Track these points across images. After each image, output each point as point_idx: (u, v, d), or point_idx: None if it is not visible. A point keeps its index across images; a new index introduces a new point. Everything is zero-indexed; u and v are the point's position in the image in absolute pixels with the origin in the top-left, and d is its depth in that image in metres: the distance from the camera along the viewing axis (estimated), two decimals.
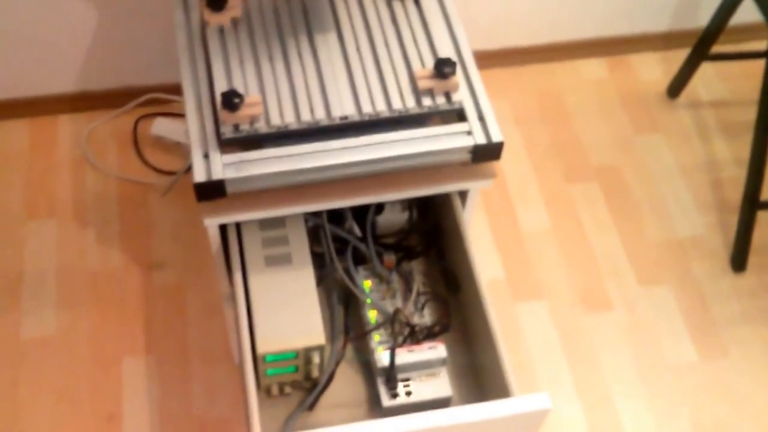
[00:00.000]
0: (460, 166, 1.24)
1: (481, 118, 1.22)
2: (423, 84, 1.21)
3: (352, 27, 1.29)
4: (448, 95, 1.21)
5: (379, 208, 1.40)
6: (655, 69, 2.14)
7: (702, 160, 1.99)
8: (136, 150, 1.90)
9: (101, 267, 1.74)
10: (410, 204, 1.40)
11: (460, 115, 1.23)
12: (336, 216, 1.35)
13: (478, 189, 1.30)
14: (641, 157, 1.98)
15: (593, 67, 2.13)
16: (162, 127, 1.89)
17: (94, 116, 1.94)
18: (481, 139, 1.20)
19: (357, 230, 1.36)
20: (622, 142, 2.01)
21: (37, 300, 1.69)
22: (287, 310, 1.21)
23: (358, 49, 1.26)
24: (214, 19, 1.27)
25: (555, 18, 2.04)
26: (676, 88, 2.07)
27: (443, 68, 1.20)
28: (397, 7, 1.32)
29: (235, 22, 1.28)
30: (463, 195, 1.33)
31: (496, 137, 1.20)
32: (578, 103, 2.07)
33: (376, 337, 1.27)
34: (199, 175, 1.14)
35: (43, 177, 1.86)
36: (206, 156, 1.16)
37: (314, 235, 1.35)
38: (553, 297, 1.78)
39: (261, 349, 1.18)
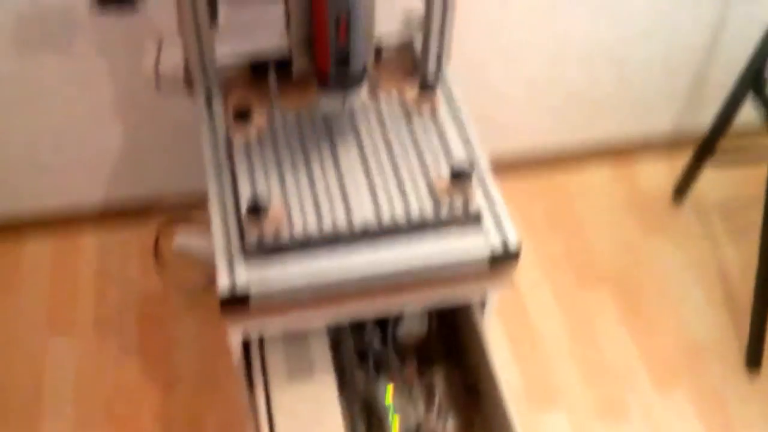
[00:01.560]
0: (479, 272, 1.22)
1: (498, 225, 1.21)
2: (441, 192, 1.21)
3: (372, 139, 1.30)
4: (465, 202, 1.21)
5: (400, 318, 1.38)
6: (659, 173, 2.15)
7: (712, 261, 1.97)
8: (157, 263, 1.89)
9: (120, 383, 1.70)
10: (430, 317, 1.39)
11: (477, 222, 1.22)
12: (357, 323, 1.34)
13: (496, 296, 1.28)
14: (651, 261, 1.97)
15: (599, 173, 2.14)
16: (184, 239, 1.89)
17: (117, 229, 1.94)
18: (498, 245, 1.19)
19: (378, 339, 1.34)
20: (632, 246, 2.00)
21: (55, 419, 1.64)
22: (310, 425, 1.18)
23: (378, 159, 1.27)
24: (240, 132, 1.28)
25: (559, 127, 2.06)
26: (681, 191, 2.08)
27: (460, 176, 1.20)
28: (416, 121, 1.33)
29: (260, 134, 1.29)
30: (482, 302, 1.31)
31: (513, 243, 1.19)
32: (586, 208, 2.07)
33: None
34: (224, 287, 1.13)
35: (65, 292, 1.84)
36: (231, 267, 1.15)
37: (336, 344, 1.33)
38: (571, 406, 1.73)
39: None
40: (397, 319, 1.37)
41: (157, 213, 1.93)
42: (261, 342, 1.26)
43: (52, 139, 1.78)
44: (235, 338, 1.22)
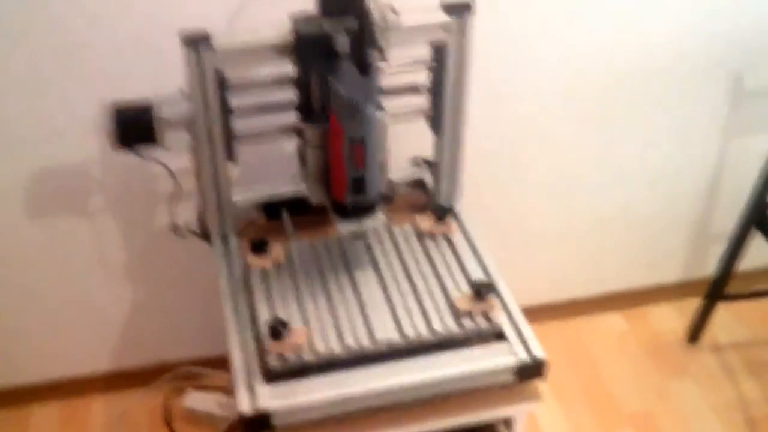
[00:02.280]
0: (507, 385, 1.19)
1: (521, 337, 1.20)
2: (462, 306, 1.20)
3: (389, 262, 1.30)
4: (487, 316, 1.20)
5: None
6: (671, 317, 2.13)
7: (733, 400, 1.92)
8: (167, 425, 1.83)
9: None
10: None
11: (499, 336, 1.20)
12: None
13: (524, 414, 1.24)
14: (672, 402, 1.91)
15: (612, 320, 2.13)
16: (194, 399, 1.84)
17: (126, 394, 1.89)
18: (524, 357, 1.17)
19: None
20: (651, 388, 1.95)
21: None
22: None
23: (396, 280, 1.27)
24: (257, 263, 1.29)
25: (567, 276, 2.07)
26: (695, 333, 2.05)
27: (481, 290, 1.20)
28: (430, 245, 1.34)
29: (277, 265, 1.29)
30: (508, 424, 1.26)
31: (538, 354, 1.17)
32: (602, 353, 2.04)
33: None
34: (245, 406, 1.09)
35: None
36: (251, 388, 1.12)
37: None
38: None
39: None
40: None
41: (167, 375, 1.89)
42: None
43: (60, 303, 1.78)
44: None
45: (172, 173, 1.45)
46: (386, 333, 1.17)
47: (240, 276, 1.30)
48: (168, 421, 1.84)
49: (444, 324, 1.18)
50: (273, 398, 1.10)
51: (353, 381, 1.12)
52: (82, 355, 1.86)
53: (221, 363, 1.81)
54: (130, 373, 1.90)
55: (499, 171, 1.81)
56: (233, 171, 1.56)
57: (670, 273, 2.15)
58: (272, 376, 1.13)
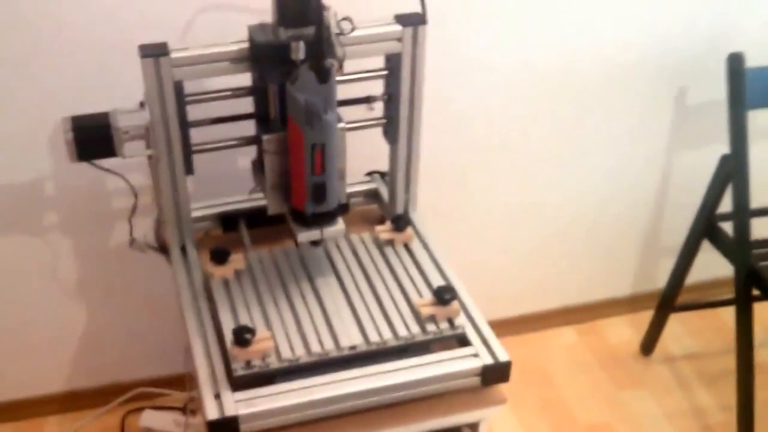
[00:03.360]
0: (471, 392, 1.21)
1: (485, 341, 1.22)
2: (425, 311, 1.21)
3: (349, 269, 1.32)
4: (450, 321, 1.22)
5: None
6: (623, 330, 2.18)
7: (688, 409, 1.96)
8: None
9: None
10: None
11: (462, 341, 1.22)
12: None
13: (489, 419, 1.26)
14: (629, 412, 1.95)
15: (564, 335, 2.17)
16: (151, 419, 1.82)
17: (81, 415, 1.86)
18: (488, 360, 1.19)
19: None
20: (607, 399, 1.99)
21: None
22: None
23: (357, 286, 1.28)
24: (218, 272, 1.29)
25: (520, 291, 2.10)
26: (648, 345, 2.10)
27: (444, 295, 1.22)
28: (390, 253, 1.36)
29: (238, 273, 1.30)
30: (473, 428, 1.28)
31: (502, 357, 1.19)
32: (558, 367, 2.07)
33: None
34: (212, 413, 1.09)
35: None
36: (218, 395, 1.12)
37: None
38: None
39: None
40: None
41: (123, 396, 1.87)
42: None
43: (13, 322, 1.75)
44: None
45: (131, 186, 1.45)
46: (351, 338, 1.18)
47: (201, 286, 1.30)
48: None
49: (408, 329, 1.20)
50: (240, 405, 1.10)
51: (319, 386, 1.13)
52: (36, 376, 1.83)
53: (178, 382, 1.81)
54: (85, 394, 1.87)
55: (451, 182, 1.84)
56: (189, 184, 1.58)
57: (622, 286, 2.20)
58: (238, 383, 1.13)
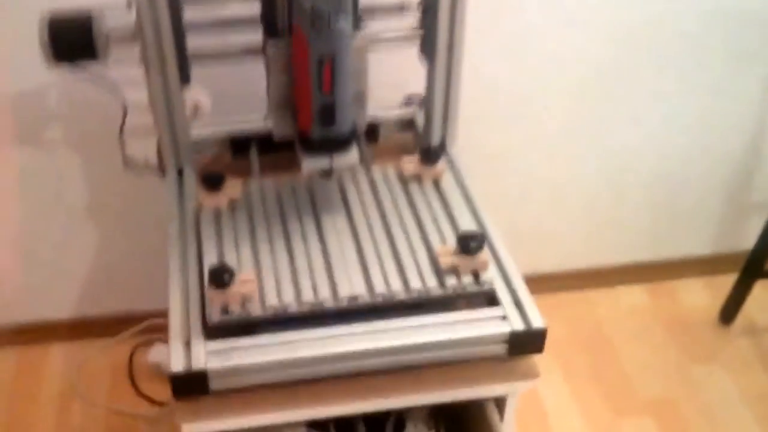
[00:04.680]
0: (494, 362, 1.02)
1: (517, 302, 1.02)
2: (446, 262, 1.02)
3: (364, 207, 1.13)
4: (475, 274, 1.02)
5: (400, 425, 1.16)
6: (701, 294, 1.95)
7: None
8: (131, 379, 1.68)
9: None
10: (436, 420, 1.16)
11: (490, 299, 1.03)
12: (343, 427, 1.12)
13: (517, 395, 1.07)
14: (699, 389, 1.73)
15: (633, 294, 1.95)
16: (160, 353, 1.70)
17: (89, 345, 1.75)
18: (518, 326, 0.99)
19: None
20: (674, 372, 1.77)
21: None
22: None
23: (370, 228, 1.09)
24: (210, 201, 1.12)
25: (590, 242, 1.89)
26: (728, 313, 1.87)
27: (469, 243, 1.02)
28: (415, 190, 1.17)
29: (233, 204, 1.13)
30: (500, 405, 1.09)
31: (536, 323, 0.99)
32: (619, 331, 1.86)
33: None
34: (177, 364, 0.93)
35: (24, 411, 1.64)
36: (187, 344, 0.96)
37: None
38: None
39: None
40: (399, 427, 1.15)
41: (133, 327, 1.74)
42: None
43: (20, 244, 1.64)
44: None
45: (123, 98, 1.29)
46: (352, 287, 1.00)
47: (192, 217, 1.13)
48: (131, 375, 1.70)
49: (423, 281, 1.01)
50: (211, 357, 0.94)
51: (308, 342, 0.96)
52: (43, 301, 1.73)
53: None
54: (94, 322, 1.76)
55: (503, 108, 1.62)
56: (206, 101, 1.41)
57: (702, 244, 1.95)
58: (213, 331, 0.96)
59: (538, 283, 1.87)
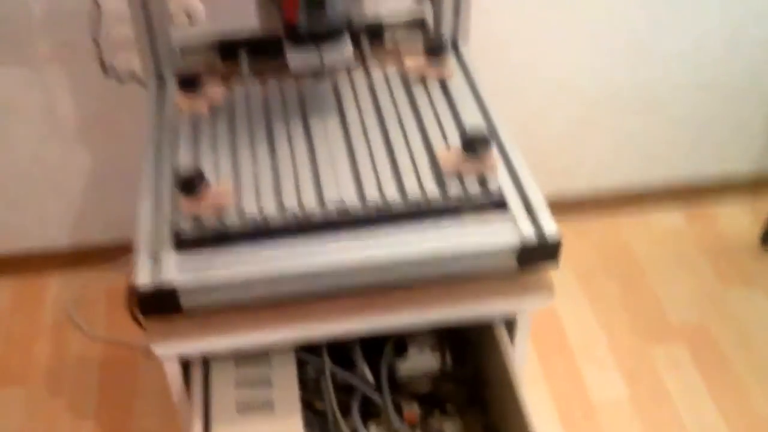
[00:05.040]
0: (503, 277, 0.91)
1: (528, 208, 0.90)
2: (449, 165, 0.91)
3: (360, 111, 1.02)
4: (482, 180, 0.91)
5: (401, 349, 1.06)
6: (740, 218, 1.81)
7: None
8: (128, 307, 1.60)
9: None
10: (441, 343, 1.06)
11: (499, 206, 0.91)
12: (339, 353, 1.02)
13: (529, 314, 0.96)
14: (735, 315, 1.61)
15: (667, 218, 1.82)
16: None
17: (86, 273, 1.67)
18: (529, 234, 0.87)
19: (368, 374, 1.02)
20: (709, 298, 1.65)
21: None
22: None
23: (365, 133, 0.98)
24: (188, 105, 1.01)
25: (620, 162, 1.75)
26: None
27: (475, 145, 0.90)
28: (417, 90, 1.05)
29: (214, 110, 1.02)
30: (510, 326, 0.99)
31: (550, 231, 0.88)
32: (650, 256, 1.73)
33: None
34: (143, 278, 0.84)
35: (22, 339, 1.57)
36: (155, 256, 0.86)
37: (309, 380, 1.01)
38: None
39: None
40: (400, 350, 1.05)
41: (130, 254, 1.65)
42: (205, 365, 0.95)
43: (19, 176, 1.55)
44: (165, 355, 0.91)
45: None
46: (341, 196, 0.89)
47: (172, 124, 1.02)
48: (129, 304, 1.61)
49: (422, 188, 0.90)
50: (182, 271, 0.84)
51: (292, 255, 0.85)
52: (39, 228, 1.65)
53: None
54: (92, 250, 1.68)
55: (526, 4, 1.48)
56: (199, 6, 1.30)
57: (744, 164, 1.81)
58: (183, 242, 0.86)
59: (564, 207, 1.77)
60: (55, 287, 1.66)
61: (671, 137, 1.73)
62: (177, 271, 0.84)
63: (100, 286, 1.65)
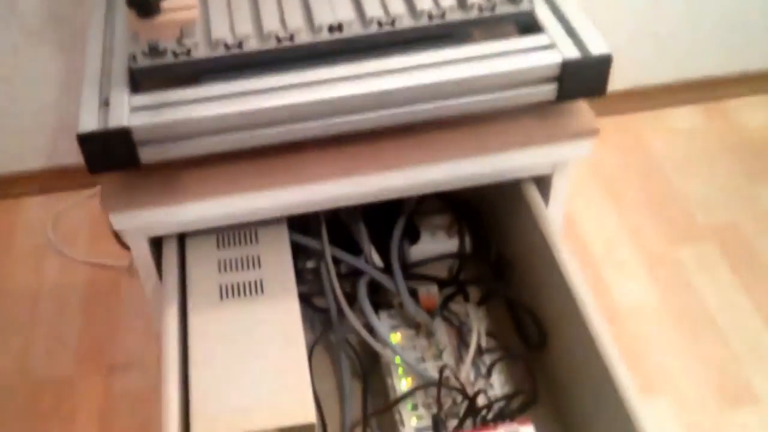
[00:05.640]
0: (535, 115, 0.69)
1: (568, 28, 0.68)
2: None
3: None
4: None
5: (413, 234, 0.84)
6: (762, 112, 1.59)
7: None
8: (113, 231, 1.38)
9: (52, 372, 1.19)
10: (459, 224, 0.84)
11: (529, 27, 0.69)
12: (339, 240, 0.80)
13: (569, 168, 0.74)
14: (762, 210, 1.40)
15: (684, 115, 1.60)
16: None
17: (66, 196, 1.45)
18: (572, 52, 0.65)
19: (376, 256, 0.80)
20: (735, 194, 1.43)
21: None
22: (251, 369, 0.64)
23: None
24: None
25: (635, 60, 1.53)
26: None
27: None
28: None
29: None
30: (542, 185, 0.77)
31: (597, 48, 0.66)
32: (670, 154, 1.52)
33: (413, 419, 0.68)
34: (88, 123, 0.62)
35: (0, 267, 1.35)
36: (106, 101, 0.63)
37: (306, 273, 0.80)
38: (673, 391, 1.15)
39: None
40: (412, 236, 0.83)
41: None
42: (181, 243, 0.73)
43: None
44: (128, 233, 0.69)
45: None
46: (335, 15, 0.66)
47: None
48: (112, 227, 1.39)
49: (436, 2, 0.67)
50: (137, 112, 0.62)
51: (273, 88, 0.63)
52: (14, 150, 1.42)
53: None
54: (70, 172, 1.45)
55: None
56: None
57: (763, 58, 1.59)
58: (139, 76, 0.64)
59: None
60: (33, 211, 1.44)
61: (688, 30, 1.50)
62: (131, 112, 0.61)
63: (81, 209, 1.43)
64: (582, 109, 0.71)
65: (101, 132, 0.60)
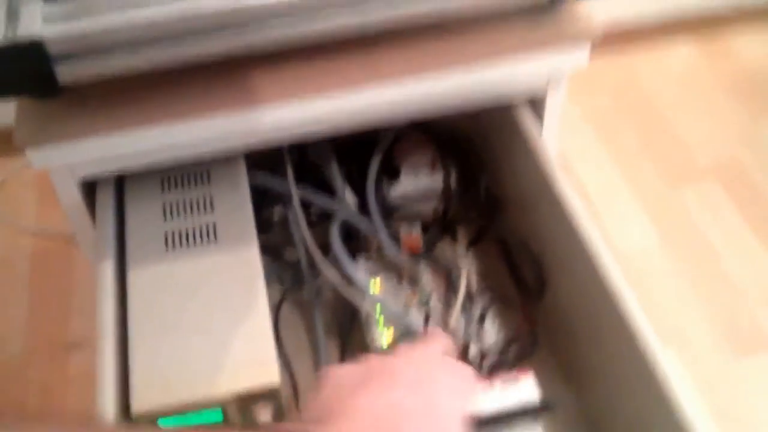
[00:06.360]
0: (526, 21, 0.60)
1: None
2: None
3: None
4: None
5: (391, 170, 0.75)
6: (760, 47, 1.51)
7: None
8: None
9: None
10: (443, 156, 0.75)
11: None
12: (309, 174, 0.71)
13: (563, 85, 0.65)
14: (765, 146, 1.32)
15: (679, 52, 1.52)
16: None
17: (10, 161, 1.35)
18: None
19: (350, 196, 0.71)
20: (736, 131, 1.37)
21: None
22: (202, 329, 0.55)
23: None
24: None
25: None
26: None
27: None
28: None
29: None
30: (535, 106, 0.68)
31: None
32: (667, 93, 1.44)
33: None
34: None
35: None
36: (15, 11, 0.54)
37: (270, 224, 0.71)
38: (682, 340, 1.08)
39: (138, 405, 0.51)
40: (390, 172, 0.74)
41: None
42: (119, 187, 0.64)
43: None
44: (54, 174, 0.60)
45: None
46: None
47: None
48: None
49: None
50: (50, 21, 0.52)
51: None
52: None
53: None
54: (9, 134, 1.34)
55: None
56: None
57: None
58: None
59: None
60: None
61: None
62: (44, 22, 0.52)
63: (28, 174, 1.33)
64: (579, 12, 0.62)
65: (9, 45, 0.51)
